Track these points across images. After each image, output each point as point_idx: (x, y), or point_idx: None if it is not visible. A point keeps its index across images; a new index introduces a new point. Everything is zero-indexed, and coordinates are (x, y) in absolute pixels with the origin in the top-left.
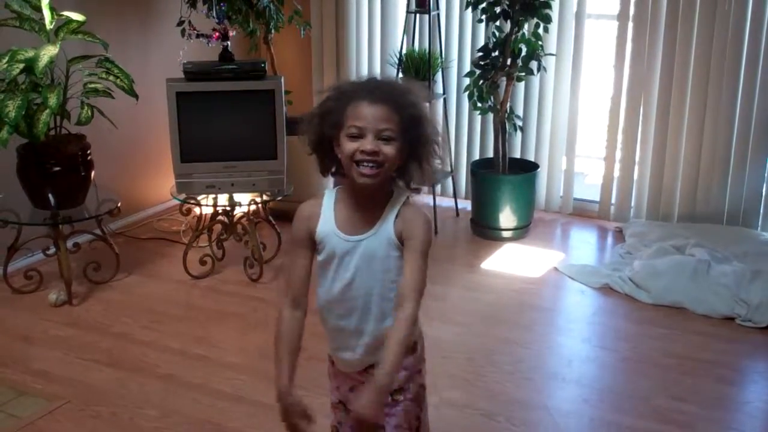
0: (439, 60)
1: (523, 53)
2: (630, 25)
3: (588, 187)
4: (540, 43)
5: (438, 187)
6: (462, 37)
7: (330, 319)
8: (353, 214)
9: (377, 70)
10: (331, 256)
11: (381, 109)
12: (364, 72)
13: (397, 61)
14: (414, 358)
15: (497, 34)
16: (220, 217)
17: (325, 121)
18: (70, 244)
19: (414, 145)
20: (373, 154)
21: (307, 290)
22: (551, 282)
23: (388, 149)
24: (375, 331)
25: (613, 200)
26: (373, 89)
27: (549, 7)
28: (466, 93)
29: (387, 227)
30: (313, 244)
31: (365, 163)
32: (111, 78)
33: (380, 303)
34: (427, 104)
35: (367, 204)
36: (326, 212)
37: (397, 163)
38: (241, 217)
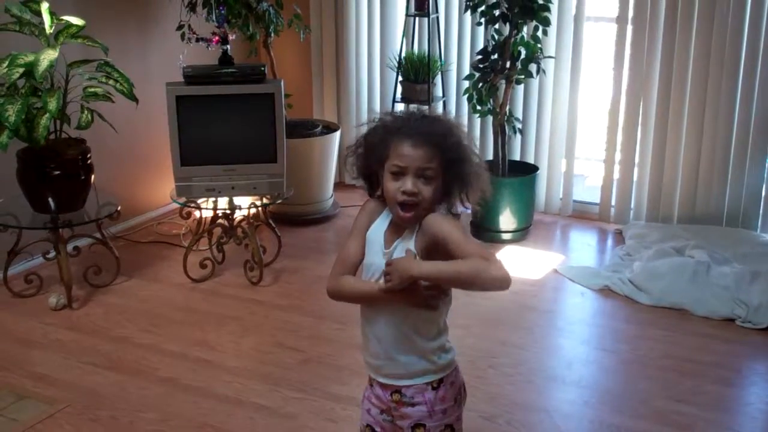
0: (439, 63)
1: (523, 56)
2: (629, 27)
3: (588, 189)
4: (539, 45)
5: None
6: (461, 40)
7: (363, 323)
8: (392, 228)
9: (377, 73)
10: (369, 263)
11: (423, 149)
12: (364, 76)
13: (396, 65)
14: (437, 395)
15: (496, 37)
16: (220, 221)
17: (370, 154)
18: (70, 247)
19: (455, 181)
20: (412, 195)
21: (354, 274)
22: (551, 284)
23: (427, 190)
24: (395, 347)
25: (613, 202)
26: (417, 127)
27: (548, 10)
28: (466, 96)
29: (407, 242)
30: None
31: (404, 204)
32: (111, 82)
33: (405, 322)
34: (467, 140)
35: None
36: (383, 220)
37: (435, 202)
38: (241, 221)
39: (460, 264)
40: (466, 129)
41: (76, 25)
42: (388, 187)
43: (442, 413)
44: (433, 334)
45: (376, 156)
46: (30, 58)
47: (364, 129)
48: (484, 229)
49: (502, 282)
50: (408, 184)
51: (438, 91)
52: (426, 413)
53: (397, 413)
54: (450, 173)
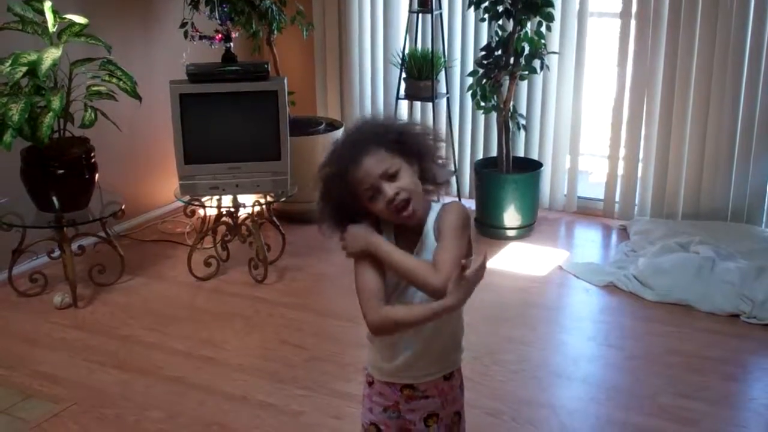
0: (442, 59)
1: (526, 52)
2: (633, 22)
3: (592, 185)
4: (543, 41)
5: None
6: (465, 36)
7: (395, 340)
8: (402, 234)
9: (381, 70)
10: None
11: (372, 157)
12: (367, 73)
13: (400, 61)
14: (449, 385)
15: (500, 33)
16: (224, 219)
17: (342, 206)
18: (74, 246)
19: (418, 156)
20: (397, 195)
21: (385, 301)
22: (556, 280)
23: (403, 182)
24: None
25: (618, 198)
26: (351, 151)
27: (551, 5)
28: (470, 92)
29: (429, 239)
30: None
31: (398, 208)
32: (114, 80)
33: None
34: (395, 121)
35: (410, 230)
36: (387, 236)
37: (419, 187)
38: (246, 219)
39: (417, 264)
40: (392, 113)
41: (79, 24)
42: (378, 208)
43: (453, 401)
44: (458, 338)
45: (349, 201)
46: (33, 56)
47: (317, 195)
48: (489, 226)
49: (433, 295)
50: (387, 193)
51: (442, 87)
52: (439, 404)
53: (406, 407)
54: (408, 153)
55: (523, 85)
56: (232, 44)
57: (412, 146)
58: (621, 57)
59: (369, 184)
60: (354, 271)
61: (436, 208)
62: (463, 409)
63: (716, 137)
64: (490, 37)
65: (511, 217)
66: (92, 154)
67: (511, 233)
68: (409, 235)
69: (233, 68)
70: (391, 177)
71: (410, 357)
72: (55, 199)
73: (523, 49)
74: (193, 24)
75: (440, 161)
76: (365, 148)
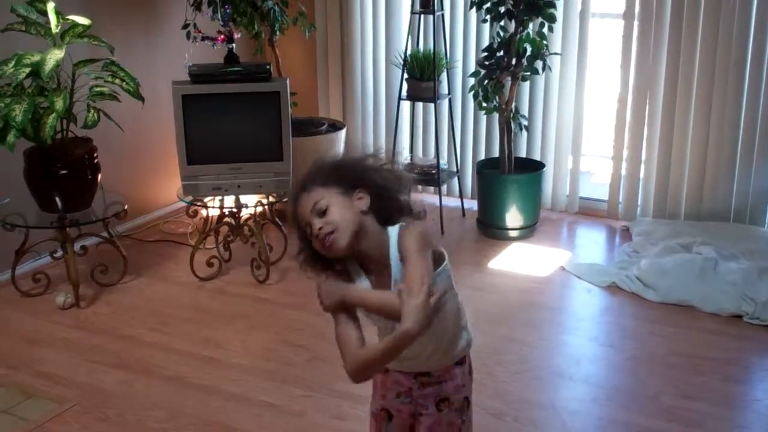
0: (444, 60)
1: (528, 53)
2: (635, 23)
3: (594, 185)
4: (545, 42)
5: (444, 187)
6: (467, 37)
7: None
8: (371, 268)
9: (383, 71)
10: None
11: (305, 196)
12: (369, 74)
13: (402, 62)
14: (461, 370)
15: (502, 33)
16: (226, 219)
17: (308, 245)
18: (77, 246)
19: (369, 187)
20: (320, 230)
21: None
22: (558, 281)
23: (330, 216)
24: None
25: (620, 199)
26: (299, 183)
27: (553, 6)
28: (471, 93)
29: (397, 265)
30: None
31: (322, 239)
32: (117, 81)
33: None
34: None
35: (374, 262)
36: (360, 283)
37: (354, 219)
38: (248, 219)
39: (391, 298)
40: (360, 148)
41: (82, 25)
42: (315, 245)
43: (463, 387)
44: (462, 322)
45: (306, 239)
46: (36, 57)
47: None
48: (491, 227)
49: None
50: (314, 227)
51: (444, 88)
52: (452, 388)
53: (420, 392)
54: (342, 186)
55: (525, 85)
56: (234, 45)
57: (350, 179)
58: (624, 58)
59: (305, 221)
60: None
61: (394, 233)
62: (471, 395)
63: (719, 138)
64: (492, 37)
65: (513, 217)
66: (95, 155)
67: (513, 234)
68: (378, 267)
69: (235, 69)
70: (321, 212)
71: (422, 351)
72: (58, 199)
73: (525, 49)
74: (195, 25)
75: (399, 193)
76: (303, 186)
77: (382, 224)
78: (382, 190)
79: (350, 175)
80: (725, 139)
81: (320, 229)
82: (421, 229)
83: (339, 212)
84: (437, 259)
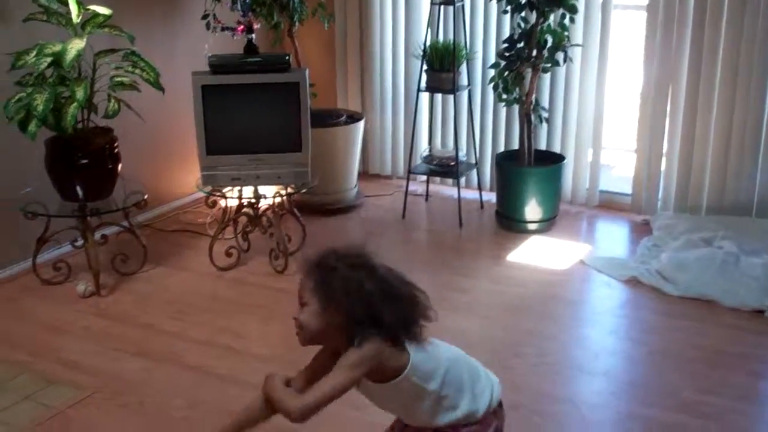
0: (464, 51)
1: (549, 44)
2: (658, 16)
3: (614, 179)
4: (566, 33)
5: (462, 180)
6: (487, 28)
7: None
8: None
9: (402, 62)
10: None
11: (304, 278)
12: (388, 65)
13: (421, 53)
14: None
15: (522, 24)
16: (245, 210)
17: None
18: (97, 235)
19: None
20: (295, 323)
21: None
22: (577, 274)
23: (303, 316)
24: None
25: (641, 192)
26: (308, 264)
27: None
28: (491, 84)
29: None
30: None
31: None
32: (137, 71)
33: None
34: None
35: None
36: None
37: (320, 329)
38: (266, 210)
39: (286, 395)
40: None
41: (103, 15)
42: None
43: None
44: (441, 410)
45: None
46: (57, 47)
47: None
48: (510, 219)
49: (287, 416)
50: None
51: (463, 80)
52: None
53: (502, 423)
54: (322, 294)
55: (546, 77)
56: (254, 36)
57: (334, 298)
58: (647, 50)
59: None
60: None
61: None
62: None
63: (741, 131)
64: (512, 28)
65: (532, 210)
66: (116, 144)
67: (532, 227)
68: None
69: (255, 60)
70: (302, 305)
71: (384, 408)
72: (78, 188)
73: (546, 41)
74: (215, 15)
75: (379, 321)
76: (309, 270)
77: (348, 341)
78: (359, 321)
79: (336, 295)
80: (747, 133)
81: (295, 318)
82: (364, 353)
83: (308, 319)
84: (395, 373)
